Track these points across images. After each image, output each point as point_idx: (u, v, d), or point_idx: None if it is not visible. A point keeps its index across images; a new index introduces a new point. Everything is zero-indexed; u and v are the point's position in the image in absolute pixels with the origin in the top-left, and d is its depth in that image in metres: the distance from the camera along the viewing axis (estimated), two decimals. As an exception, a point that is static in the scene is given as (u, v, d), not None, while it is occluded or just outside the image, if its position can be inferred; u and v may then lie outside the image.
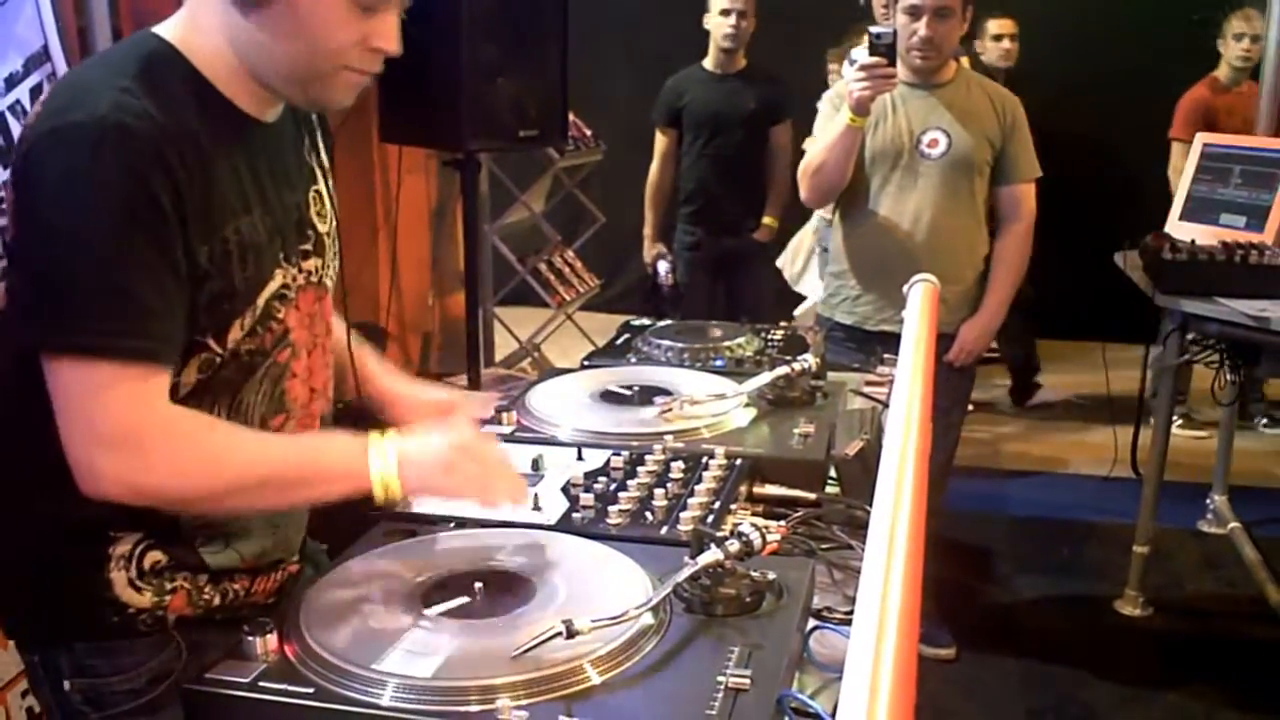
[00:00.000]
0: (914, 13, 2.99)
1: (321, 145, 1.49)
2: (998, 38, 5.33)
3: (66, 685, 1.33)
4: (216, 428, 1.28)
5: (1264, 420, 5.42)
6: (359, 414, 1.60)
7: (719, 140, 4.57)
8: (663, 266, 4.77)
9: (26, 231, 1.20)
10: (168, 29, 1.28)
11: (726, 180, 4.59)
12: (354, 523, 1.39)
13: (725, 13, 4.45)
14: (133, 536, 1.30)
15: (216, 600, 1.36)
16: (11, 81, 2.12)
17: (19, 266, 1.22)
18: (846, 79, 2.98)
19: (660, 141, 4.78)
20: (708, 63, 4.62)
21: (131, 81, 1.19)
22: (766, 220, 4.63)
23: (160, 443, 1.20)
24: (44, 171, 1.17)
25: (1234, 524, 4.20)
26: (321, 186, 1.46)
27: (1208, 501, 4.38)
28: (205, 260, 1.22)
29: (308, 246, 1.39)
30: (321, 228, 1.43)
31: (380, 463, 1.26)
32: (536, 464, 1.57)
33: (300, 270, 1.37)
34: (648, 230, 4.88)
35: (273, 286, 1.31)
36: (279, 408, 1.37)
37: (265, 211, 1.31)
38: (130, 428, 1.18)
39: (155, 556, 1.31)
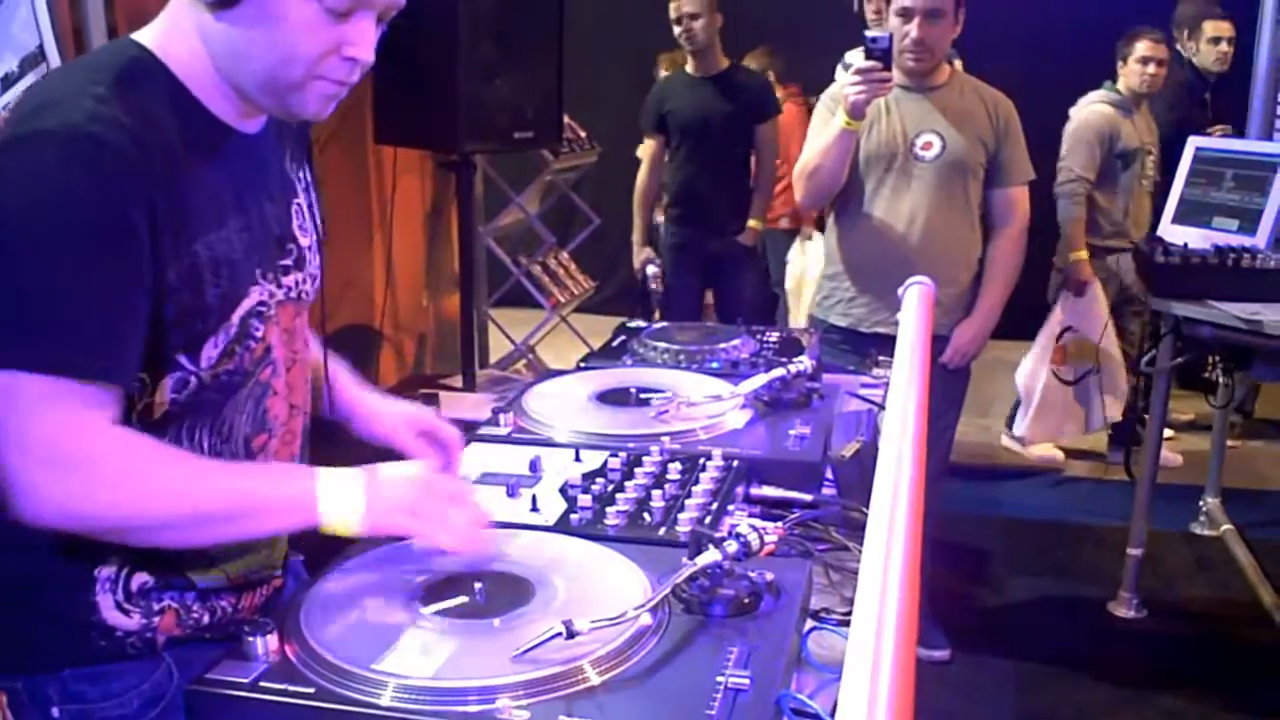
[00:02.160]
0: (905, 14, 3.01)
1: (305, 157, 1.44)
2: (1215, 40, 5.13)
3: (55, 712, 1.27)
4: (161, 453, 1.20)
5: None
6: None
7: (702, 143, 4.58)
8: (651, 270, 4.79)
9: None
10: (147, 35, 1.23)
11: (711, 182, 4.60)
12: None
13: (677, 20, 4.49)
14: (118, 558, 1.25)
15: (205, 619, 1.33)
16: (8, 82, 2.13)
17: None
18: (842, 82, 2.99)
19: (647, 147, 4.81)
20: (688, 67, 4.64)
21: (106, 89, 1.14)
22: (751, 223, 4.63)
23: (103, 464, 1.13)
24: (10, 178, 1.11)
25: (1227, 526, 4.22)
26: (302, 200, 1.41)
27: (1201, 504, 4.39)
28: (174, 276, 1.17)
29: (288, 261, 1.34)
30: (304, 241, 1.38)
31: (331, 499, 1.19)
32: (534, 465, 1.58)
33: (279, 285, 1.32)
34: (636, 235, 4.92)
35: (248, 304, 1.26)
36: (261, 426, 1.33)
37: (243, 226, 1.26)
38: (73, 447, 1.12)
39: (142, 578, 1.27)
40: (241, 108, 1.26)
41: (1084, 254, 4.52)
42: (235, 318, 1.25)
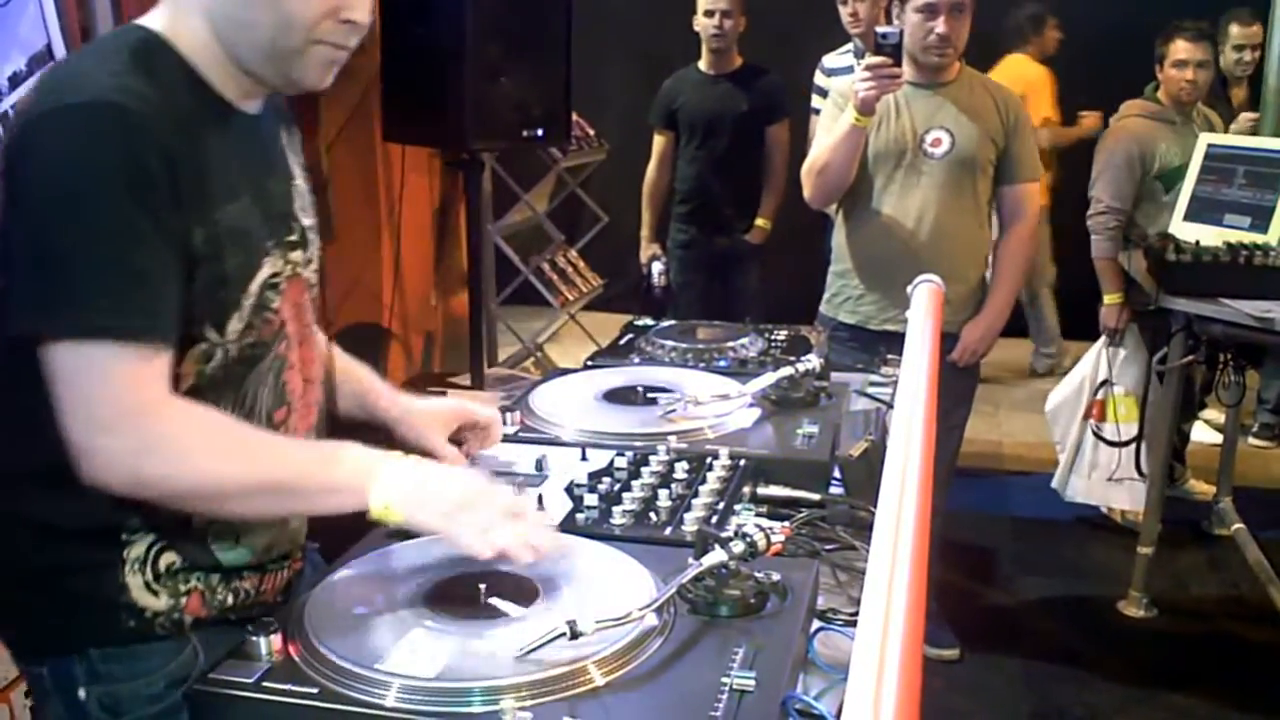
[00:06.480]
0: (930, 10, 2.97)
1: (296, 143, 1.48)
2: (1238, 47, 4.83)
3: (82, 694, 1.30)
4: (225, 421, 1.25)
5: (1255, 427, 5.33)
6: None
7: (713, 141, 4.56)
8: (656, 267, 4.78)
9: (21, 217, 1.17)
10: (153, 20, 1.28)
11: (721, 181, 4.58)
12: (350, 522, 1.33)
13: (709, 13, 4.45)
14: (146, 538, 1.28)
15: (230, 600, 1.35)
16: (15, 81, 2.12)
17: (12, 257, 1.18)
18: (852, 78, 2.98)
19: (658, 143, 4.78)
20: (701, 64, 4.61)
21: (122, 67, 1.19)
22: (759, 222, 4.60)
23: (165, 427, 1.18)
24: (41, 153, 1.16)
25: (1238, 525, 4.19)
26: (300, 182, 1.45)
27: (1212, 503, 4.37)
28: (200, 242, 1.21)
29: (293, 238, 1.38)
30: (305, 222, 1.42)
31: (385, 490, 1.23)
32: (540, 464, 1.57)
33: (286, 261, 1.35)
34: (644, 231, 4.89)
35: (263, 275, 1.30)
36: (280, 400, 1.36)
37: (254, 199, 1.30)
38: (133, 409, 1.16)
39: (170, 558, 1.29)
40: (245, 88, 1.31)
41: (1116, 298, 3.95)
42: (253, 287, 1.28)
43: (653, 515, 1.41)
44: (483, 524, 1.22)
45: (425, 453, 1.55)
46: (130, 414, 1.16)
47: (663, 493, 1.45)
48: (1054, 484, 4.27)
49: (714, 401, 1.76)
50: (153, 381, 1.17)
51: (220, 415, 1.26)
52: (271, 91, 1.36)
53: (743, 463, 1.56)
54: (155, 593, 1.29)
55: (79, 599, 1.28)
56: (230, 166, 1.27)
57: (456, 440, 1.61)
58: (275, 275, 1.32)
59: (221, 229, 1.24)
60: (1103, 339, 4.09)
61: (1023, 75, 5.48)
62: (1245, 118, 4.64)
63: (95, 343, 1.14)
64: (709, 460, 1.56)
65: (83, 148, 1.14)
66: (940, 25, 2.98)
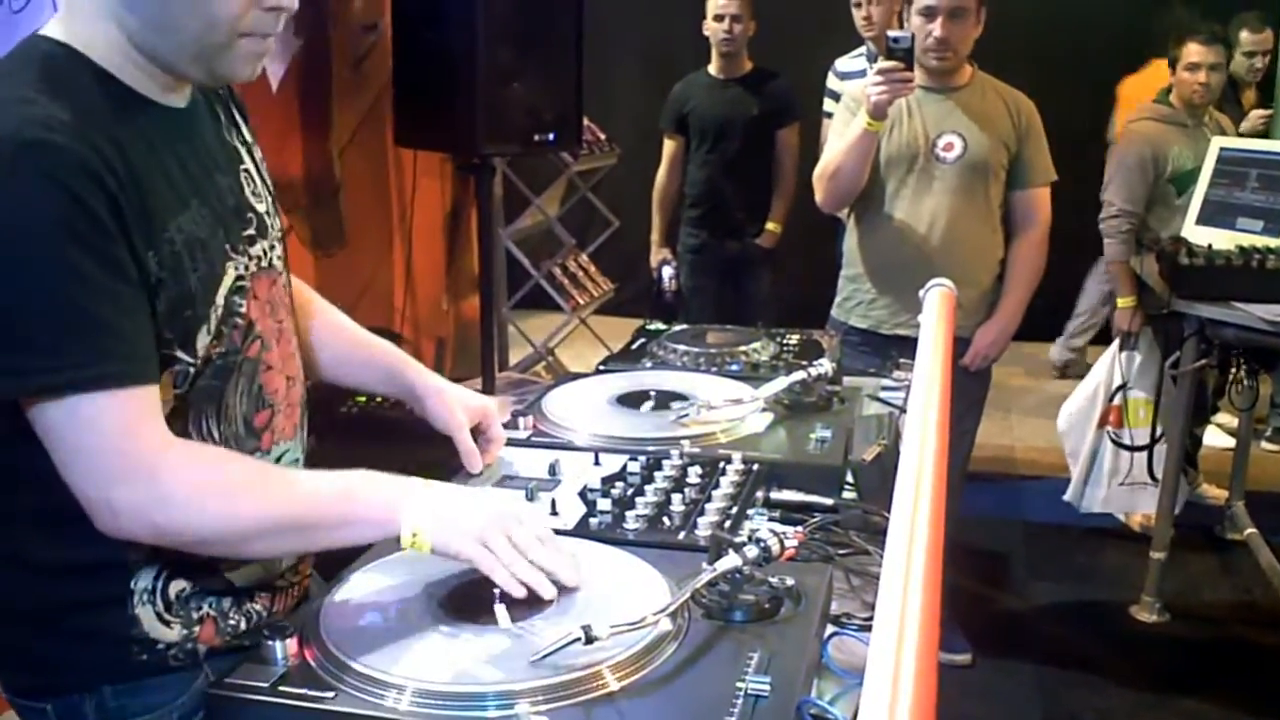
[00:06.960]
0: (928, 13, 2.98)
1: (240, 120, 1.41)
2: (1249, 54, 4.81)
3: None
4: (234, 459, 1.23)
5: (1268, 431, 5.30)
6: (371, 416, 1.56)
7: (723, 145, 4.57)
8: (666, 271, 4.78)
9: None
10: (54, 28, 1.19)
11: (731, 185, 4.59)
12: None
13: (719, 18, 4.46)
14: (153, 568, 1.24)
15: (242, 625, 1.31)
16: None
17: None
18: (864, 83, 2.98)
19: (668, 147, 4.79)
20: (712, 68, 4.62)
21: (33, 91, 1.11)
22: (770, 226, 4.60)
23: (175, 477, 1.14)
24: None
25: (1251, 530, 4.17)
26: (249, 165, 1.38)
27: (1225, 507, 4.35)
28: (155, 267, 1.15)
29: (251, 231, 1.32)
30: (260, 208, 1.35)
31: (413, 519, 1.19)
32: (553, 469, 1.57)
33: (249, 258, 1.30)
34: (654, 235, 4.91)
35: (228, 281, 1.25)
36: (260, 404, 1.32)
37: (202, 203, 1.24)
38: (136, 457, 1.12)
39: (179, 584, 1.26)
40: (165, 82, 1.23)
41: (1130, 301, 3.94)
42: (219, 299, 1.24)
43: (666, 520, 1.41)
44: (511, 554, 1.18)
45: (446, 435, 1.56)
46: (136, 465, 1.12)
47: (676, 497, 1.45)
48: (1067, 497, 4.20)
49: (726, 406, 1.76)
50: (147, 423, 1.14)
51: (228, 454, 1.24)
52: (198, 86, 1.30)
53: (756, 467, 1.56)
54: (168, 623, 1.25)
55: (89, 636, 1.24)
56: (171, 173, 1.21)
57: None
58: (240, 278, 1.27)
59: (178, 245, 1.18)
60: (1115, 344, 4.08)
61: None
62: (1256, 114, 4.66)
63: (74, 397, 1.09)
64: (722, 465, 1.56)
65: (11, 197, 1.07)
66: (938, 28, 2.98)
